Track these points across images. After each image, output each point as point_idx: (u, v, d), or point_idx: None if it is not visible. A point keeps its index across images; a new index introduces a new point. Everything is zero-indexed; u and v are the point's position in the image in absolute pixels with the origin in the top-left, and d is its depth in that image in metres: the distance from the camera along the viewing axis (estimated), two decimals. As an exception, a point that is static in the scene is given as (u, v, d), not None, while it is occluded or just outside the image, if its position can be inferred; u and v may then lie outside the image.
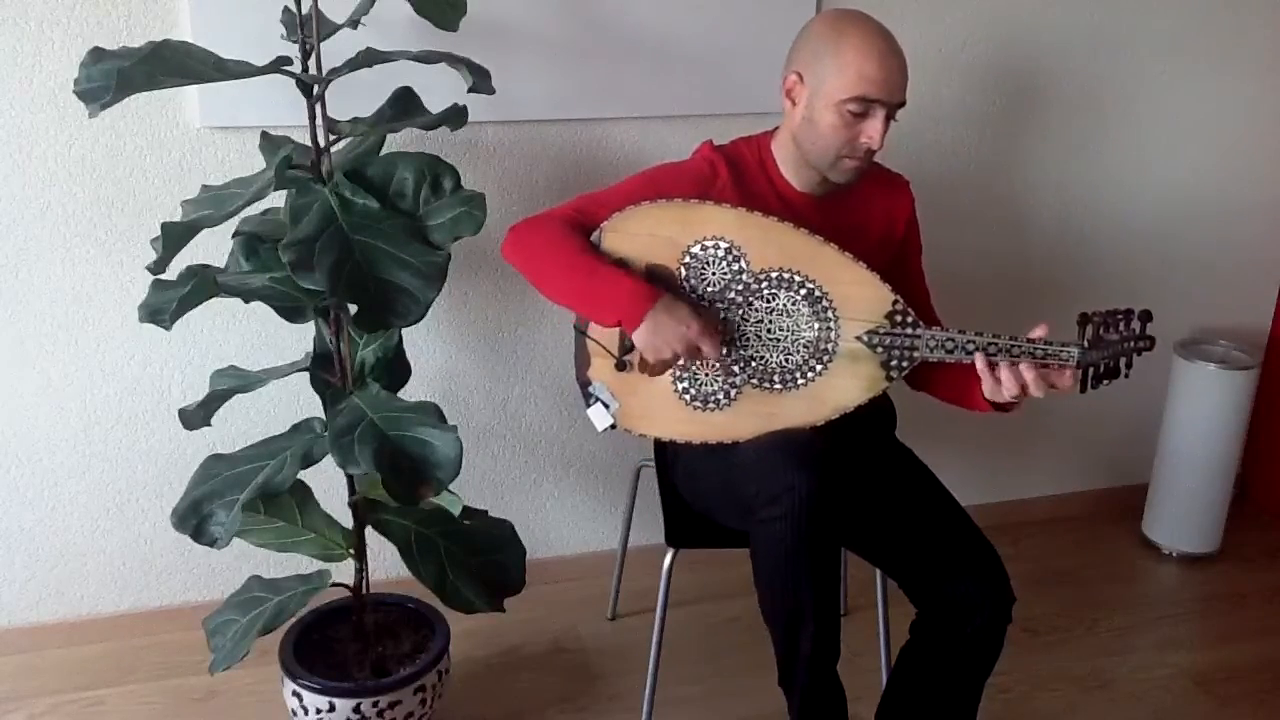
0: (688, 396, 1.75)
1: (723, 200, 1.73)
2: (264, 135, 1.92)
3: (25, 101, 1.97)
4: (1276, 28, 2.62)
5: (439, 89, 1.89)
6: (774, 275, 1.71)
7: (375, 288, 1.65)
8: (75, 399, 2.15)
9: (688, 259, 1.72)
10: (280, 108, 1.92)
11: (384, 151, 1.86)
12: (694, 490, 1.93)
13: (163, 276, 1.68)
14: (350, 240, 1.67)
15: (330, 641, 2.03)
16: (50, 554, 2.24)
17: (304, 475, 1.82)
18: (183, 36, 1.96)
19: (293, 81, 1.71)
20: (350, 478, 1.92)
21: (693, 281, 1.73)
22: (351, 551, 1.95)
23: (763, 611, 1.73)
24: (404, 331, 1.92)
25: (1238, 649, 2.43)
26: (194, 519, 1.73)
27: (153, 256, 1.64)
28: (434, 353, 2.32)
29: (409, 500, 1.68)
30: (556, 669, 2.29)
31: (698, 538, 1.93)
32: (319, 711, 1.90)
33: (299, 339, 2.21)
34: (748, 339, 1.73)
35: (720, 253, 1.71)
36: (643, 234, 1.72)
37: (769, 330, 1.72)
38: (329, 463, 1.73)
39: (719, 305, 1.73)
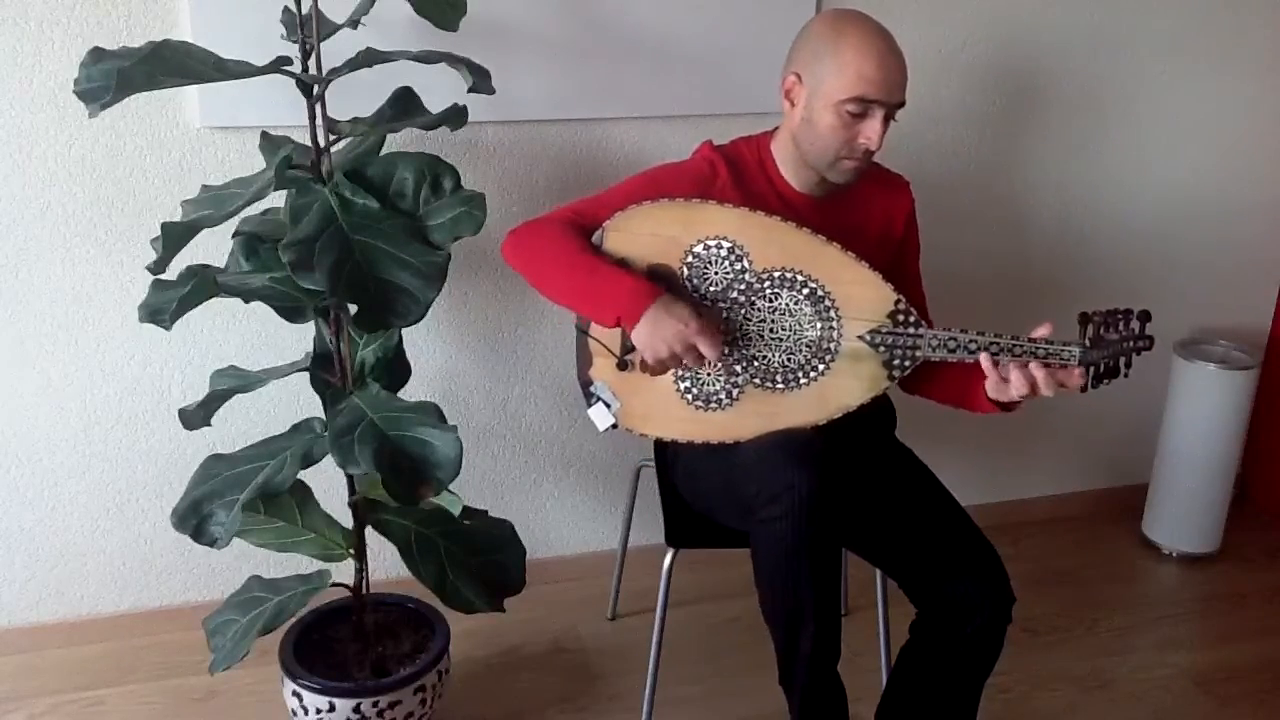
0: (689, 396, 1.75)
1: (724, 200, 1.73)
2: (264, 135, 1.92)
3: (25, 101, 1.97)
4: (1276, 28, 2.62)
5: (439, 89, 1.89)
6: (776, 275, 1.71)
7: (375, 288, 1.65)
8: (75, 399, 2.15)
9: (690, 258, 1.72)
10: (280, 108, 1.92)
11: (384, 151, 1.86)
12: (694, 490, 1.92)
13: (163, 276, 1.68)
14: (350, 240, 1.67)
15: (330, 641, 2.03)
16: (50, 554, 2.24)
17: (304, 475, 1.82)
18: (183, 36, 1.96)
19: (293, 81, 1.71)
20: (350, 478, 1.92)
21: (695, 281, 1.73)
22: (351, 551, 1.95)
23: (763, 611, 1.73)
24: (404, 331, 1.92)
25: (1238, 649, 2.43)
26: (194, 519, 1.73)
27: (153, 256, 1.64)
28: (434, 353, 2.32)
29: (409, 500, 1.68)
30: (556, 669, 2.29)
31: (698, 538, 1.93)
32: (319, 711, 1.90)
33: (299, 339, 2.21)
34: (750, 338, 1.73)
35: (723, 252, 1.71)
36: (645, 233, 1.72)
37: (771, 330, 1.72)
38: (329, 463, 1.73)
39: (721, 305, 1.73)
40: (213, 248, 1.99)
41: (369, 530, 1.93)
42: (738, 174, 1.80)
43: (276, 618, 1.84)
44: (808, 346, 1.72)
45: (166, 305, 1.66)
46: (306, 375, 1.92)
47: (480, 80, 1.77)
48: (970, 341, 1.68)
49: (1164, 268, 2.76)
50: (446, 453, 1.68)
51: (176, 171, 2.07)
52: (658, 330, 1.64)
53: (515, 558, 1.96)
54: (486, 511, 1.99)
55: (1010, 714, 2.19)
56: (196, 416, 1.79)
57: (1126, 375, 1.69)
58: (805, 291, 1.71)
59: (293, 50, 1.73)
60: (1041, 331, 1.66)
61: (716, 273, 1.72)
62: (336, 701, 1.89)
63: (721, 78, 2.27)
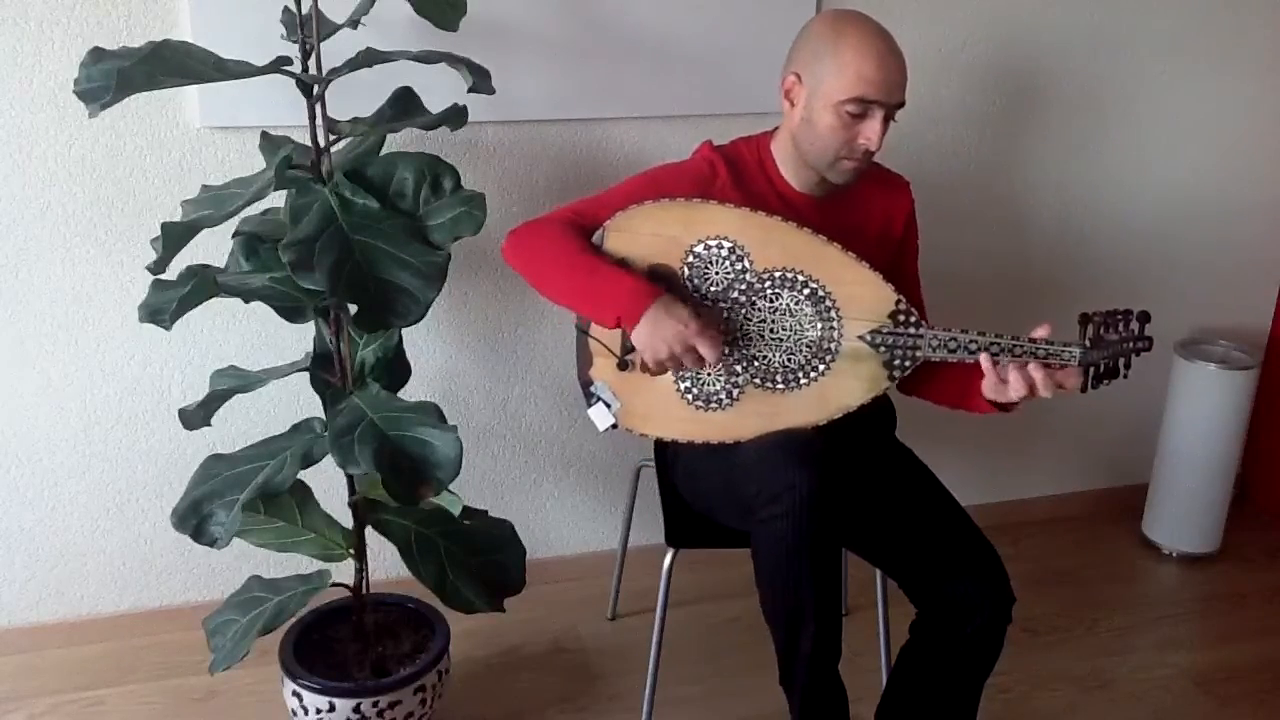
0: (690, 396, 1.75)
1: (724, 200, 1.73)
2: (264, 135, 1.92)
3: (25, 101, 1.97)
4: (1276, 28, 2.62)
5: (439, 89, 1.89)
6: (777, 275, 1.71)
7: (375, 288, 1.65)
8: (75, 399, 2.15)
9: (691, 258, 1.72)
10: (280, 108, 1.92)
11: (384, 151, 1.86)
12: (694, 490, 1.92)
13: (163, 276, 1.68)
14: (350, 240, 1.67)
15: (330, 641, 2.03)
16: (50, 554, 2.24)
17: (304, 475, 1.82)
18: (183, 36, 1.96)
19: (293, 81, 1.71)
20: (350, 478, 1.92)
21: (696, 281, 1.73)
22: (351, 551, 1.95)
23: (764, 611, 1.73)
24: (404, 331, 1.92)
25: (1238, 649, 2.43)
26: (194, 519, 1.73)
27: (153, 256, 1.64)
28: (434, 353, 2.32)
29: (409, 500, 1.68)
30: (556, 669, 2.29)
31: (698, 538, 1.93)
32: (319, 711, 1.90)
33: (299, 339, 2.20)
34: (750, 338, 1.73)
35: (723, 252, 1.71)
36: (646, 233, 1.72)
37: (772, 330, 1.72)
38: (329, 463, 1.73)
39: (722, 305, 1.73)
40: (213, 248, 1.99)
41: (369, 530, 1.93)
42: (738, 174, 1.80)
43: (276, 618, 1.84)
44: (808, 347, 1.72)
45: (166, 305, 1.66)
46: (306, 375, 1.92)
47: (480, 80, 1.77)
48: (970, 342, 1.68)
49: (1164, 268, 2.76)
50: (446, 453, 1.68)
51: (176, 171, 2.07)
52: (658, 331, 1.63)
53: (515, 558, 1.96)
54: (486, 511, 1.99)
55: (1010, 714, 2.19)
56: (196, 416, 1.79)
57: (1126, 376, 1.69)
58: (806, 292, 1.71)
59: (293, 50, 1.73)
60: (1041, 332, 1.66)
61: (717, 273, 1.72)
62: (336, 701, 1.89)
63: (721, 78, 2.27)
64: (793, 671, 1.74)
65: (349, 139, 1.84)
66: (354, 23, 1.77)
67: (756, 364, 1.73)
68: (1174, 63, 2.58)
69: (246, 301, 1.78)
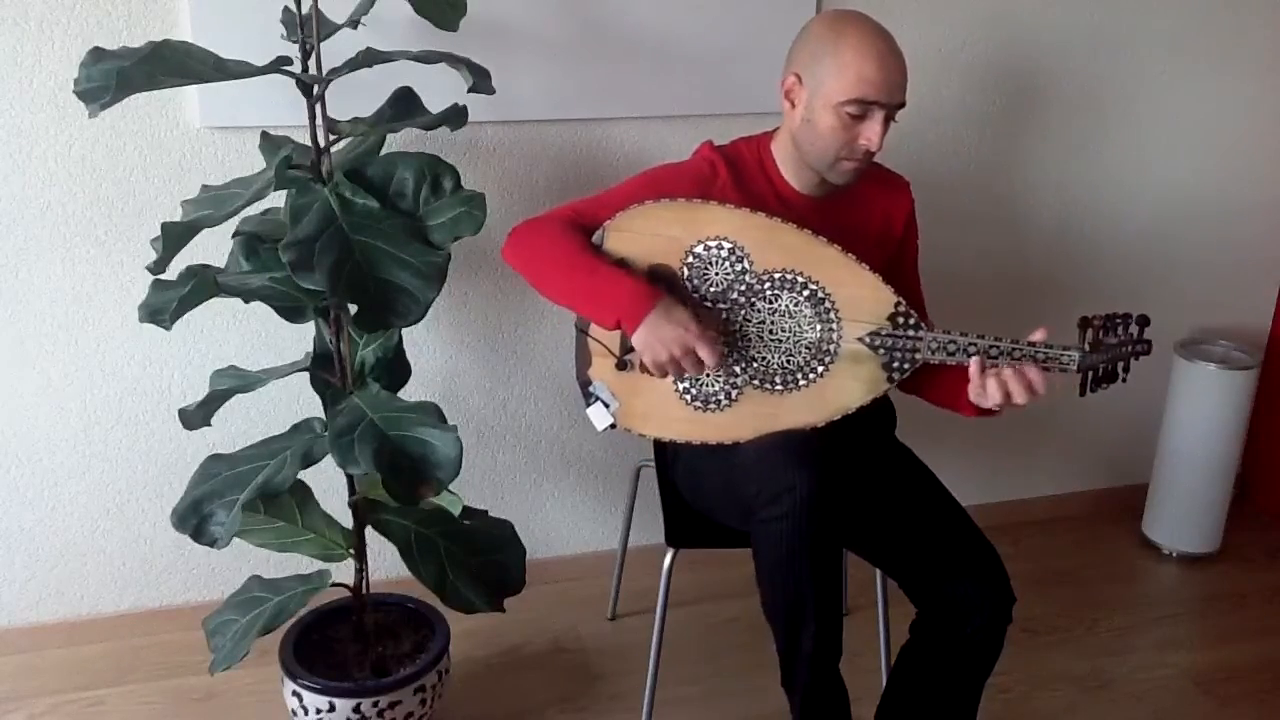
0: (689, 397, 1.75)
1: (724, 200, 1.73)
2: (264, 135, 1.92)
3: (25, 101, 1.97)
4: (1276, 28, 2.62)
5: (439, 89, 1.89)
6: (777, 276, 1.71)
7: (375, 288, 1.65)
8: (75, 399, 2.15)
9: (691, 259, 1.72)
10: (280, 108, 1.92)
11: (384, 151, 1.86)
12: (694, 490, 1.92)
13: (163, 276, 1.68)
14: (350, 240, 1.67)
15: (330, 641, 2.03)
16: (50, 554, 2.24)
17: (304, 475, 1.82)
18: (183, 36, 1.96)
19: (293, 81, 1.71)
20: (350, 478, 1.92)
21: (695, 281, 1.73)
22: (351, 551, 1.95)
23: (764, 610, 1.73)
24: (404, 331, 1.92)
25: (1238, 649, 2.43)
26: (194, 519, 1.73)
27: (153, 256, 1.64)
28: (434, 353, 2.32)
29: (409, 500, 1.68)
30: (556, 669, 2.29)
31: (698, 538, 1.93)
32: (319, 711, 1.90)
33: (299, 339, 2.21)
34: (749, 340, 1.73)
35: (724, 253, 1.71)
36: (646, 233, 1.72)
37: (771, 331, 1.72)
38: (329, 463, 1.73)
39: (721, 305, 1.73)
40: (213, 248, 1.99)
41: (369, 530, 1.93)
42: (738, 174, 1.80)
43: (276, 618, 1.84)
44: (807, 348, 1.72)
45: (166, 305, 1.66)
46: (306, 375, 1.92)
47: (480, 80, 1.77)
48: (969, 345, 1.68)
49: (1164, 268, 2.76)
50: (446, 453, 1.68)
51: (176, 171, 2.07)
52: (658, 335, 1.63)
53: (515, 558, 1.96)
54: (486, 511, 1.99)
55: (1010, 714, 2.19)
56: (196, 416, 1.79)
57: (1124, 380, 1.69)
58: (805, 293, 1.71)
59: (293, 50, 1.73)
60: (1039, 335, 1.66)
61: (717, 273, 1.72)
62: (336, 701, 1.89)
63: (721, 78, 2.27)
64: (794, 671, 1.74)
65: (349, 139, 1.84)
66: (354, 23, 1.77)
67: (755, 365, 1.73)
68: (1174, 63, 2.58)
69: (246, 301, 1.78)
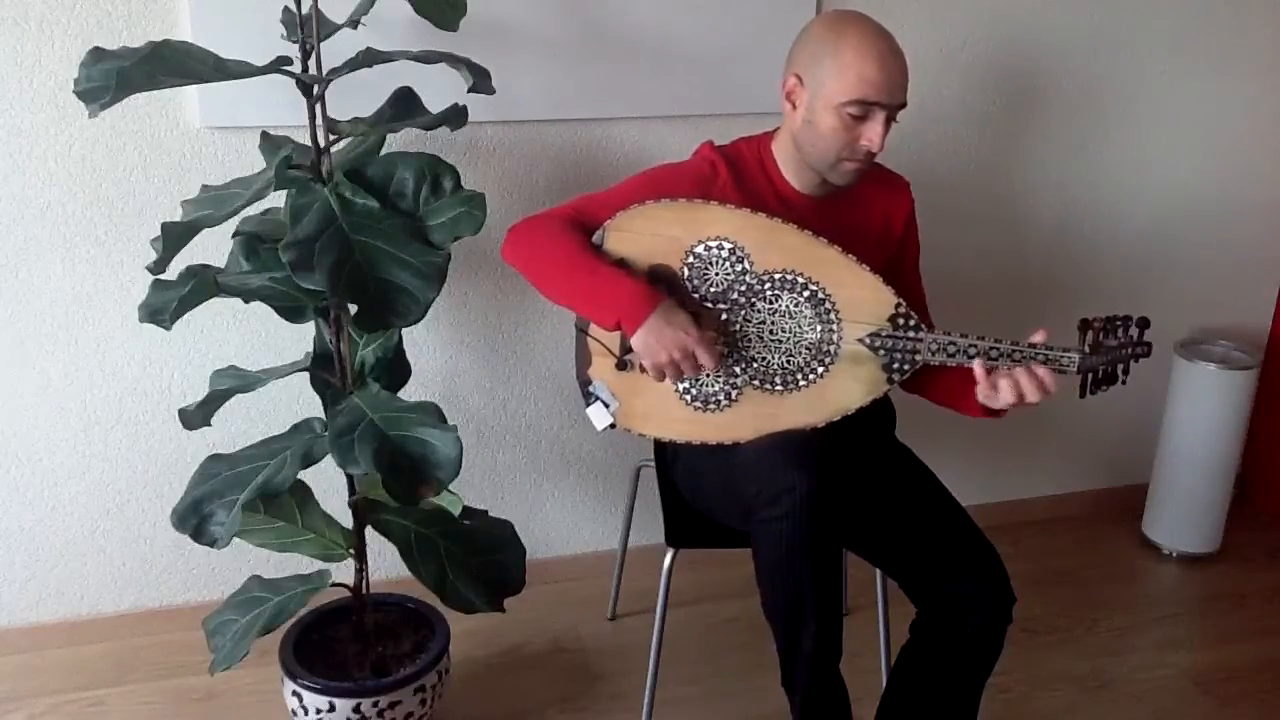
0: (688, 397, 1.75)
1: (725, 200, 1.73)
2: (264, 135, 1.92)
3: (25, 101, 1.97)
4: (1276, 28, 2.62)
5: (439, 89, 1.89)
6: (777, 277, 1.71)
7: (375, 288, 1.65)
8: (75, 399, 2.15)
9: (691, 259, 1.72)
10: (280, 108, 1.92)
11: (384, 151, 1.86)
12: (694, 490, 1.92)
13: (163, 276, 1.68)
14: (350, 240, 1.67)
15: (330, 641, 2.03)
16: (50, 554, 2.24)
17: (304, 475, 1.82)
18: (183, 36, 1.96)
19: (293, 81, 1.71)
20: (350, 478, 1.92)
21: (695, 282, 1.73)
22: (351, 551, 1.95)
23: (764, 610, 1.73)
24: (404, 331, 1.92)
25: (1238, 649, 2.43)
26: (194, 519, 1.73)
27: (153, 256, 1.64)
28: (434, 353, 2.32)
29: (409, 500, 1.68)
30: (556, 669, 2.29)
31: (698, 538, 1.93)
32: (319, 711, 1.90)
33: (299, 339, 2.21)
34: (749, 340, 1.73)
35: (724, 253, 1.71)
36: (647, 233, 1.72)
37: (771, 332, 1.72)
38: (329, 463, 1.73)
39: (721, 306, 1.73)
40: (213, 248, 1.99)
41: (369, 530, 1.93)
42: (738, 174, 1.80)
43: (276, 618, 1.84)
44: (807, 349, 1.72)
45: (166, 305, 1.66)
46: (306, 375, 1.92)
47: (480, 80, 1.77)
48: (970, 346, 1.68)
49: (1164, 268, 2.76)
50: (446, 453, 1.68)
51: (176, 171, 2.07)
52: (658, 338, 1.63)
53: (515, 558, 1.96)
54: (486, 511, 1.99)
55: (1010, 714, 2.19)
56: (196, 416, 1.79)
57: (1124, 382, 1.69)
58: (806, 294, 1.71)
59: (293, 50, 1.73)
60: (1039, 337, 1.66)
61: (717, 274, 1.72)
62: (336, 701, 1.89)
63: (721, 78, 2.27)
64: (794, 671, 1.74)
65: (349, 139, 1.84)
66: (354, 23, 1.77)
67: (756, 365, 1.73)
68: (1174, 63, 2.58)
69: (246, 301, 1.78)
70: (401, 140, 2.11)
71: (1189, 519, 2.74)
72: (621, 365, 1.75)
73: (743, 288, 1.72)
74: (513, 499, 2.48)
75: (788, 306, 1.71)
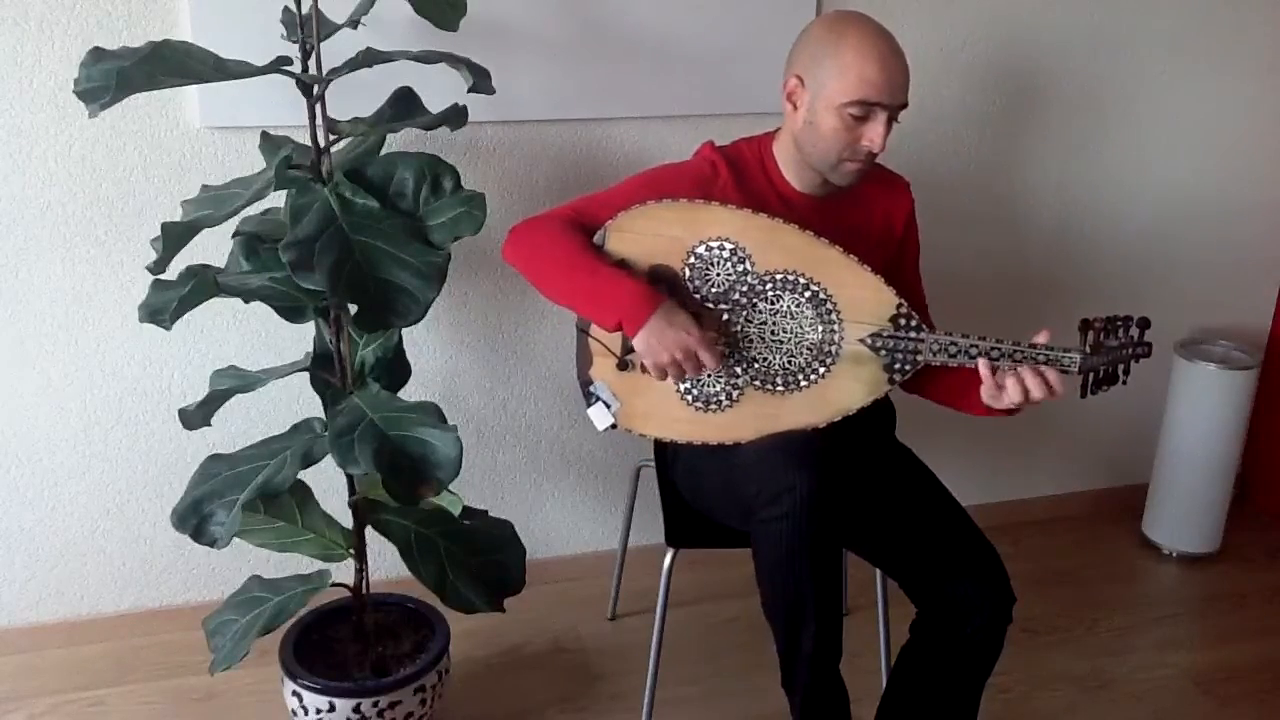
0: (689, 397, 1.74)
1: (726, 201, 1.73)
2: (264, 135, 1.92)
3: (25, 101, 1.97)
4: (1276, 27, 2.62)
5: (439, 89, 1.89)
6: (778, 277, 1.71)
7: (375, 288, 1.65)
8: (75, 399, 2.15)
9: (692, 259, 1.72)
10: (280, 108, 1.92)
11: (384, 151, 1.86)
12: (694, 490, 1.92)
13: (163, 276, 1.68)
14: (350, 240, 1.67)
15: (330, 641, 2.03)
16: (50, 554, 2.24)
17: (304, 475, 1.81)
18: (183, 36, 1.96)
19: (293, 81, 1.71)
20: (350, 478, 1.92)
21: (697, 282, 1.72)
22: (351, 551, 1.95)
23: (764, 610, 1.73)
24: (404, 331, 1.92)
25: (1238, 649, 2.43)
26: (194, 519, 1.73)
27: (153, 256, 1.64)
28: (434, 353, 2.32)
29: (409, 500, 1.68)
30: (556, 669, 2.29)
31: (698, 538, 1.93)
32: (319, 711, 1.90)
33: (299, 339, 2.20)
34: (751, 340, 1.73)
35: (725, 254, 1.71)
36: (648, 234, 1.72)
37: (772, 332, 1.72)
38: (329, 463, 1.73)
39: (723, 306, 1.72)
40: (213, 248, 1.99)
41: (369, 530, 1.93)
42: (739, 175, 1.80)
43: (276, 618, 1.84)
44: (808, 349, 1.72)
45: (166, 305, 1.66)
46: (306, 375, 1.92)
47: (480, 80, 1.77)
48: (971, 347, 1.68)
49: (1164, 268, 2.76)
50: (446, 453, 1.68)
51: (176, 171, 2.07)
52: (659, 339, 1.63)
53: (515, 558, 1.96)
54: (486, 511, 1.99)
55: (1010, 714, 2.20)
56: (196, 416, 1.79)
57: (1125, 383, 1.69)
58: (807, 294, 1.71)
59: (293, 50, 1.73)
60: (1041, 337, 1.66)
61: (718, 274, 1.72)
62: (336, 701, 1.89)
63: (721, 78, 2.27)
64: (794, 671, 1.74)
65: (349, 139, 1.84)
66: (354, 23, 1.77)
67: (757, 366, 1.73)
68: (1174, 63, 2.58)
69: (246, 301, 1.78)
70: (401, 140, 2.11)
71: (1189, 519, 2.74)
72: (623, 366, 1.75)
73: (744, 288, 1.72)
74: (513, 499, 2.48)
75: (789, 307, 1.71)
